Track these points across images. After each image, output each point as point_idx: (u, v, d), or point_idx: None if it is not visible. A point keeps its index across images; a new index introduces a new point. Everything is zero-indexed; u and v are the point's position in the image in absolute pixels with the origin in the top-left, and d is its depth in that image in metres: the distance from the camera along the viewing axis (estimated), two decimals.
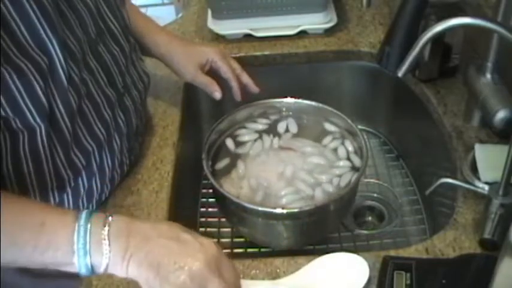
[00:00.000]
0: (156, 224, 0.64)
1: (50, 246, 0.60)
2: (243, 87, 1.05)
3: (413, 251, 0.77)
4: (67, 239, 0.59)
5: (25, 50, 0.65)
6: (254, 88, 1.06)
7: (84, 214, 0.61)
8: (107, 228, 0.60)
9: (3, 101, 0.65)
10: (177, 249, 0.60)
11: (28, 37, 0.65)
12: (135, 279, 0.60)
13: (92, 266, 0.60)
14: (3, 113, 0.66)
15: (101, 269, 0.60)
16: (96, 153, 0.80)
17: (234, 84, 1.03)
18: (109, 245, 0.59)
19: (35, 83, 0.66)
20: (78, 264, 0.60)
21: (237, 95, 1.04)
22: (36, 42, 0.66)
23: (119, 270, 0.60)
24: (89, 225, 0.60)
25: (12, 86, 0.65)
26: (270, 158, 0.95)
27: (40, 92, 0.67)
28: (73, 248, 0.59)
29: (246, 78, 1.05)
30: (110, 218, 0.61)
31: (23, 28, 0.64)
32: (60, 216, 0.61)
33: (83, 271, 0.60)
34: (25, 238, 0.60)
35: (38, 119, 0.69)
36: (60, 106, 0.71)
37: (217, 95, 1.00)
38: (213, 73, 1.03)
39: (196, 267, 0.59)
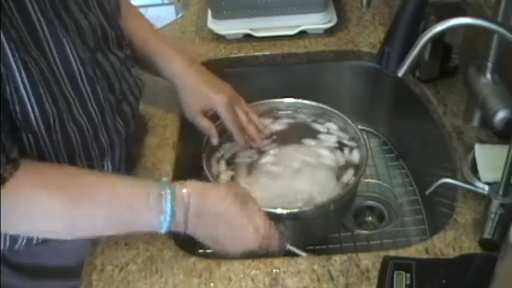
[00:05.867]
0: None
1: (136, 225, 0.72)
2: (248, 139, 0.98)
3: (414, 251, 0.77)
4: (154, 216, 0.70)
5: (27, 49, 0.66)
6: (259, 143, 0.98)
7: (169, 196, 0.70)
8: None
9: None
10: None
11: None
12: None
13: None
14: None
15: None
16: (99, 161, 0.80)
17: (237, 139, 0.96)
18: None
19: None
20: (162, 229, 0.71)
21: (241, 143, 0.97)
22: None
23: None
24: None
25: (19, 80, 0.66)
26: (270, 158, 0.95)
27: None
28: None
29: (252, 131, 0.97)
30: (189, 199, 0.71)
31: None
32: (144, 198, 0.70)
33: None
34: (116, 216, 0.71)
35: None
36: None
37: (214, 141, 0.96)
38: None
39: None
